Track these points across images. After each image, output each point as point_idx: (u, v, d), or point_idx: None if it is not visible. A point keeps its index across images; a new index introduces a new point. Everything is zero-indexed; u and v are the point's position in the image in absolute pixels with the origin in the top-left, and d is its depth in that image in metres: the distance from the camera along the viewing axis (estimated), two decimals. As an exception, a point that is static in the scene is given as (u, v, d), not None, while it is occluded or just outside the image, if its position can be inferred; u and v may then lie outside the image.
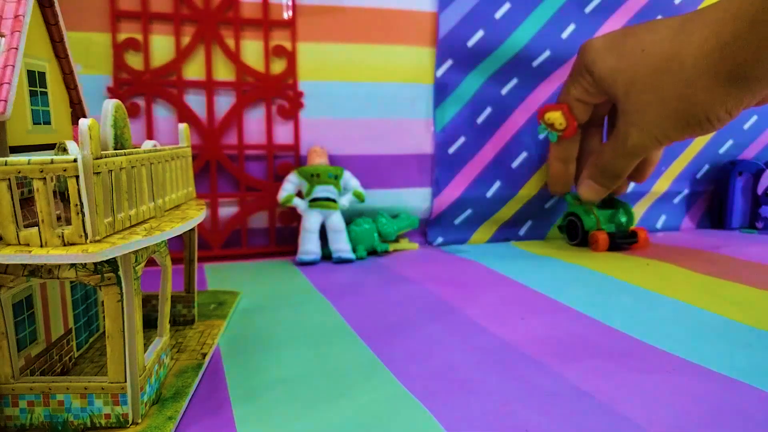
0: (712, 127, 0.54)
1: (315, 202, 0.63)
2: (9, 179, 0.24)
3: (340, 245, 0.64)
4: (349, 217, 0.67)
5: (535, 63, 0.73)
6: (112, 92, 0.61)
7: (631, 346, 0.38)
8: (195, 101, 0.64)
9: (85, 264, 0.25)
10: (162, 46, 0.62)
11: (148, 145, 0.32)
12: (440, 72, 0.70)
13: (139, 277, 0.28)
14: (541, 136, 0.66)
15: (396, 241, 0.72)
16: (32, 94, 0.30)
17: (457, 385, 0.31)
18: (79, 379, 0.27)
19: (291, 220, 0.68)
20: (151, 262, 0.30)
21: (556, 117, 0.61)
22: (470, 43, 0.70)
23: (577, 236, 0.72)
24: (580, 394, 0.31)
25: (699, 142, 0.84)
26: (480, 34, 0.70)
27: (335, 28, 0.67)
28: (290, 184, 0.64)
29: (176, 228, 0.30)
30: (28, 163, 0.24)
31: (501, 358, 0.35)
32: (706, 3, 0.79)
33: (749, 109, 0.86)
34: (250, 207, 0.67)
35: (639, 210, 0.83)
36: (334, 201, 0.64)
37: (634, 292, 0.51)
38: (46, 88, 0.31)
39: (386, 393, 0.31)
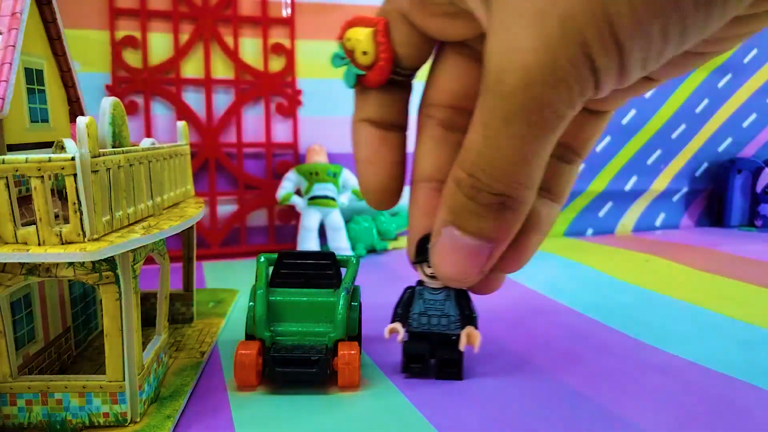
0: None
1: (314, 200, 0.63)
2: (6, 177, 0.24)
3: (339, 243, 0.64)
4: (348, 216, 0.67)
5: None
6: (111, 90, 0.61)
7: (631, 346, 0.38)
8: (193, 99, 0.64)
9: (84, 262, 0.25)
10: (160, 44, 0.62)
11: (146, 143, 0.32)
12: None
13: (138, 275, 0.28)
14: (336, 68, 0.32)
15: (395, 239, 0.71)
16: (30, 91, 0.30)
17: (455, 391, 0.31)
18: (77, 377, 0.27)
19: (290, 218, 0.68)
20: (149, 260, 0.30)
21: (359, 39, 0.28)
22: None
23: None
24: (581, 397, 0.31)
25: (698, 140, 0.84)
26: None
27: (334, 25, 0.67)
28: (289, 182, 0.64)
29: (174, 226, 0.30)
30: (26, 161, 0.24)
31: (500, 363, 0.35)
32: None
33: (748, 107, 0.87)
34: (249, 205, 0.67)
35: (637, 208, 0.83)
36: (333, 199, 0.64)
37: (633, 291, 0.51)
38: (43, 85, 0.31)
39: (383, 398, 0.31)
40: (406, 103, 0.31)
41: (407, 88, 0.30)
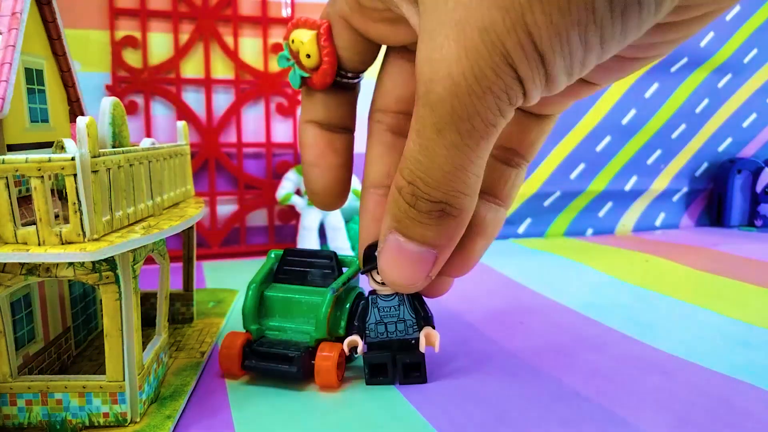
0: None
1: (314, 200, 0.63)
2: (6, 177, 0.24)
3: (339, 243, 0.64)
4: (348, 215, 0.67)
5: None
6: (110, 90, 0.61)
7: (630, 346, 0.38)
8: (193, 99, 0.64)
9: (83, 263, 0.25)
10: (160, 44, 0.62)
11: (146, 143, 0.32)
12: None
13: (138, 275, 0.28)
14: (282, 68, 0.34)
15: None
16: (30, 91, 0.30)
17: (455, 393, 0.31)
18: (77, 377, 0.27)
19: (290, 218, 0.68)
20: (149, 260, 0.30)
21: (302, 41, 0.28)
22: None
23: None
24: (580, 399, 0.30)
25: (698, 140, 0.84)
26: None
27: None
28: (289, 182, 0.64)
29: (174, 226, 0.30)
30: (26, 161, 0.24)
31: (500, 364, 0.35)
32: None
33: (748, 107, 0.87)
34: (249, 205, 0.67)
35: (638, 208, 0.83)
36: (333, 199, 0.64)
37: (633, 291, 0.51)
38: (43, 85, 0.31)
39: (383, 397, 0.31)
40: (352, 105, 0.30)
41: (354, 91, 0.30)
